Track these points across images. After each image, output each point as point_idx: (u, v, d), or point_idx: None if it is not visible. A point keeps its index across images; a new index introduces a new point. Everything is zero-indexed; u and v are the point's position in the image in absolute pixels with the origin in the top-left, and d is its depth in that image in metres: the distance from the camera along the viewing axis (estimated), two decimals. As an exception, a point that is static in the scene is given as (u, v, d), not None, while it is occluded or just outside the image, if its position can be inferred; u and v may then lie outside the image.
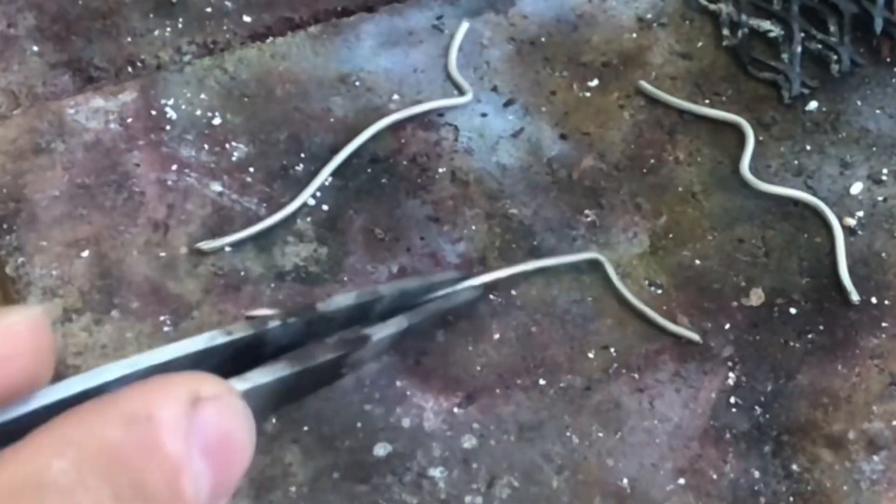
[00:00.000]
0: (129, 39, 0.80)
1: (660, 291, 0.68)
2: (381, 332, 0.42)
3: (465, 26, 0.80)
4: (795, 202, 0.72)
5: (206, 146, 0.74)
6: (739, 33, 0.80)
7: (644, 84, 0.77)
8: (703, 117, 0.76)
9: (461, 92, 0.77)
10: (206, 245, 0.68)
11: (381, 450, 0.61)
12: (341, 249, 0.69)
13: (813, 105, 0.77)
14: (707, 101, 0.77)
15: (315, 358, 0.37)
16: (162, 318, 0.66)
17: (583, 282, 0.68)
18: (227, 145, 0.74)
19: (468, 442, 0.62)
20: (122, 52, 0.79)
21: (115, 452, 0.24)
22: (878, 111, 0.77)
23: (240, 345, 0.35)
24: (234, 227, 0.70)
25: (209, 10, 0.82)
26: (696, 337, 0.66)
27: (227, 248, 0.69)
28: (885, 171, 0.74)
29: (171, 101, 0.76)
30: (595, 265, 0.69)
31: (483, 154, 0.74)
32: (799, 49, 0.79)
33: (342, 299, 0.41)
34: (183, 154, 0.73)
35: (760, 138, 0.75)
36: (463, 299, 0.61)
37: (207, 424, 0.25)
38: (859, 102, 0.78)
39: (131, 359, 0.31)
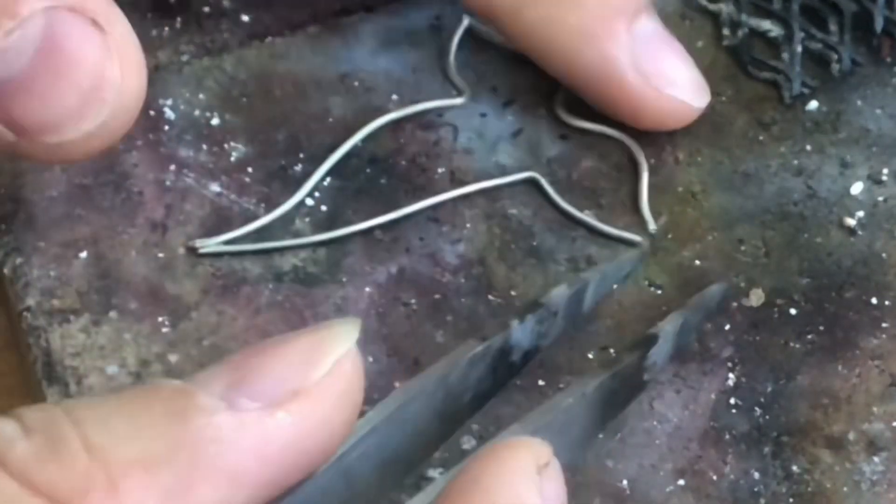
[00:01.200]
0: (128, 39, 0.80)
1: (659, 292, 0.68)
2: (664, 328, 0.42)
3: (465, 23, 0.79)
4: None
5: (204, 146, 0.74)
6: (739, 33, 0.80)
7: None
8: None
9: (459, 92, 0.77)
10: (200, 244, 0.68)
11: (379, 451, 0.61)
12: (340, 250, 0.69)
13: (813, 105, 0.77)
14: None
15: (621, 360, 0.37)
16: (160, 318, 0.66)
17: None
18: (226, 145, 0.74)
19: (467, 443, 0.61)
20: (120, 53, 0.79)
21: None
22: (878, 111, 0.77)
23: (494, 349, 0.35)
24: (232, 227, 0.69)
25: (207, 10, 0.82)
26: (637, 238, 0.69)
27: (223, 247, 0.68)
28: (885, 171, 0.74)
29: (169, 102, 0.75)
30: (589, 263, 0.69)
31: (482, 154, 0.74)
32: (799, 49, 0.79)
33: (559, 292, 0.42)
34: (181, 154, 0.73)
35: (760, 138, 0.75)
36: (717, 291, 0.63)
37: (552, 496, 0.27)
38: (860, 102, 0.78)
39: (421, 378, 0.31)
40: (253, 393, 0.26)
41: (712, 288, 0.65)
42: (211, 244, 0.68)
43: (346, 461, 0.29)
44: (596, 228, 0.70)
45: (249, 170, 0.72)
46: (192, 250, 0.68)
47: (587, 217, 0.70)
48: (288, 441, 0.25)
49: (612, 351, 0.65)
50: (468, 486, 0.25)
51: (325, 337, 0.27)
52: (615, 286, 0.57)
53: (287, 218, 0.70)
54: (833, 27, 0.80)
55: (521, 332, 0.37)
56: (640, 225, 0.71)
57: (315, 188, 0.71)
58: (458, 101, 0.76)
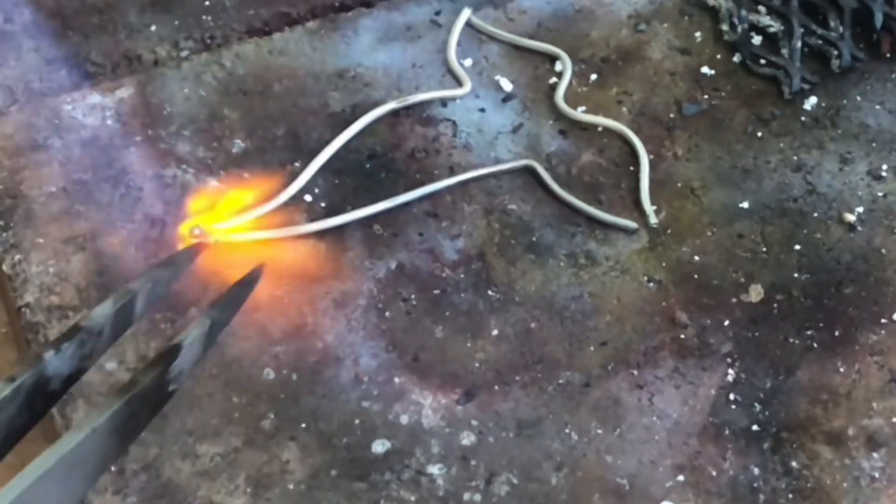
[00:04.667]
0: (126, 35, 0.80)
1: (659, 287, 0.68)
2: (189, 336, 0.40)
3: (466, 13, 0.79)
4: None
5: (203, 142, 0.73)
6: (739, 28, 0.80)
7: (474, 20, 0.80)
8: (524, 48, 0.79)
9: (459, 83, 0.76)
10: (199, 232, 0.67)
11: (379, 447, 0.61)
12: (339, 245, 0.69)
13: (812, 100, 0.77)
14: (706, 97, 0.77)
15: (139, 382, 0.35)
16: (159, 314, 0.66)
17: (581, 277, 0.68)
18: (225, 141, 0.74)
19: (467, 439, 0.61)
20: (118, 48, 0.79)
21: None
22: (877, 107, 0.77)
23: (26, 388, 0.33)
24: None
25: (207, 4, 0.82)
26: (633, 225, 0.70)
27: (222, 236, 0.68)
28: (884, 166, 0.74)
29: (168, 97, 0.75)
30: (591, 257, 0.69)
31: (482, 149, 0.74)
32: (799, 44, 0.79)
33: (100, 309, 0.40)
34: (180, 150, 0.73)
35: (759, 134, 0.75)
36: (250, 280, 0.58)
37: None
38: (859, 98, 0.77)
39: None
40: None
41: (241, 284, 0.60)
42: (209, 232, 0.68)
43: None
44: (593, 216, 0.70)
45: (248, 165, 0.72)
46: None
47: (584, 205, 0.71)
48: None
49: (611, 346, 0.65)
50: None
51: None
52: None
53: (287, 214, 0.70)
54: (833, 23, 0.80)
55: (58, 362, 0.35)
56: (641, 220, 0.71)
57: (314, 185, 0.71)
58: (460, 91, 0.76)
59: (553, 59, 0.79)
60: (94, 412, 0.34)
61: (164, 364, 0.38)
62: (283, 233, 0.69)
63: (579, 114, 0.75)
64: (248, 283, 0.52)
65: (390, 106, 0.75)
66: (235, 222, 0.69)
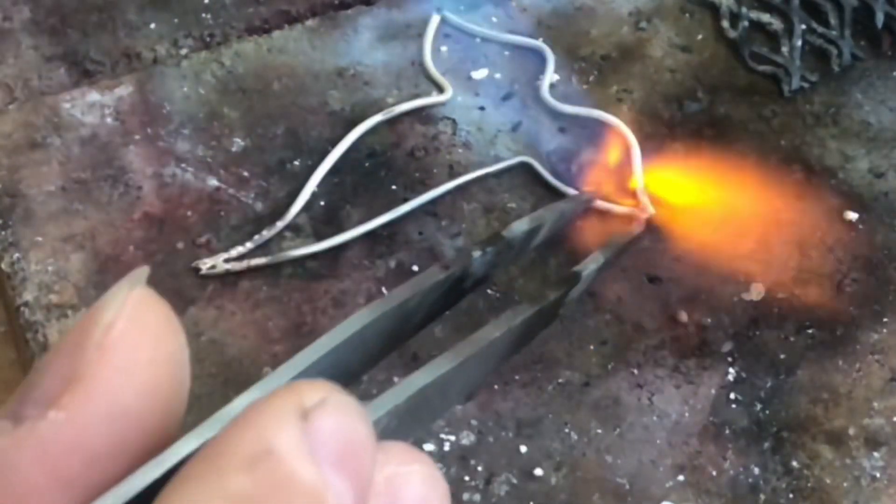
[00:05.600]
0: (126, 33, 0.80)
1: (659, 286, 0.67)
2: (588, 268, 0.44)
3: (435, 19, 0.79)
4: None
5: (202, 140, 0.73)
6: (739, 26, 0.80)
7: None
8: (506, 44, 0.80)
9: (437, 88, 0.76)
10: (202, 265, 0.67)
11: (378, 446, 0.61)
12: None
13: (813, 98, 0.77)
14: (707, 95, 0.77)
15: (546, 298, 0.38)
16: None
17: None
18: (224, 139, 0.73)
19: (466, 438, 0.61)
20: (118, 46, 0.79)
21: None
22: (879, 105, 0.77)
23: (453, 278, 0.36)
24: (230, 223, 0.69)
25: (206, 3, 0.81)
26: (650, 210, 0.69)
27: (225, 265, 0.67)
28: (886, 164, 0.73)
29: (167, 95, 0.75)
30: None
31: (481, 148, 0.74)
32: (799, 42, 0.78)
33: (518, 225, 0.43)
34: (179, 148, 0.73)
35: (760, 131, 0.75)
36: (633, 236, 0.64)
37: (327, 435, 0.22)
38: (860, 96, 0.77)
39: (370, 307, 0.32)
40: (33, 399, 0.23)
41: (624, 234, 0.65)
42: (211, 263, 0.67)
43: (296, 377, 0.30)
44: (594, 206, 0.70)
45: (248, 164, 0.72)
46: (195, 270, 0.67)
47: (581, 195, 0.70)
48: (71, 439, 0.22)
49: (610, 345, 0.65)
50: (222, 440, 0.22)
51: (95, 308, 0.23)
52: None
53: (285, 211, 0.70)
54: (833, 21, 0.80)
55: (480, 262, 0.38)
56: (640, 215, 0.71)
57: (315, 185, 0.71)
58: (442, 98, 0.76)
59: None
60: (511, 314, 0.36)
61: (566, 287, 0.41)
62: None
63: (567, 107, 0.75)
64: (631, 240, 0.56)
65: (378, 118, 0.74)
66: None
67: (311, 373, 0.30)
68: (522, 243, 0.42)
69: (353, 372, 0.33)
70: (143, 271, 0.23)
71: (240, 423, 0.22)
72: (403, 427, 0.32)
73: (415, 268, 0.68)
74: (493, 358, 0.36)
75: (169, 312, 0.23)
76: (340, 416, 0.23)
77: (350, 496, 0.22)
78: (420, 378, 0.31)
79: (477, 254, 0.37)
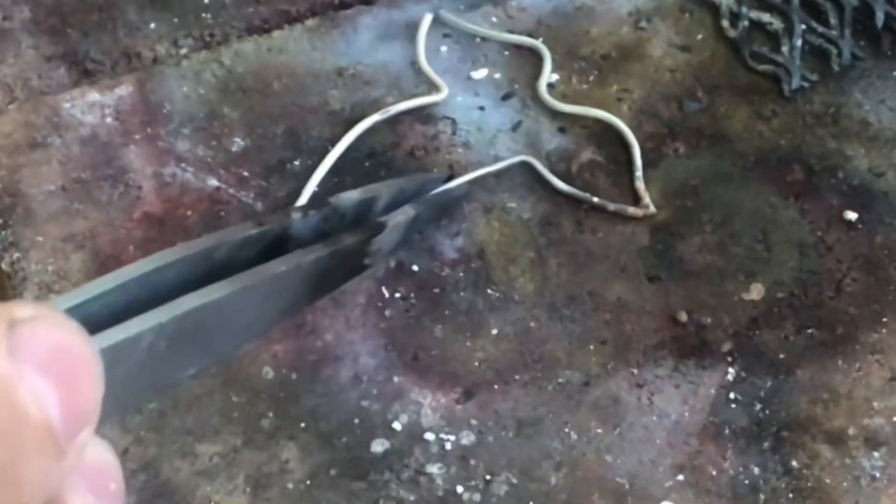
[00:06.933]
0: (126, 33, 0.80)
1: (658, 286, 0.68)
2: (394, 218, 0.44)
3: (427, 18, 0.79)
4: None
5: (202, 140, 0.73)
6: (739, 26, 0.80)
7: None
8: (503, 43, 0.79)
9: (435, 89, 0.76)
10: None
11: (378, 446, 0.61)
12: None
13: (813, 98, 0.77)
14: (707, 94, 0.77)
15: (343, 240, 0.38)
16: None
17: (581, 276, 0.68)
18: (224, 139, 0.73)
19: (466, 438, 0.61)
20: (118, 46, 0.79)
21: None
22: (878, 104, 0.77)
23: (270, 236, 0.36)
24: (230, 222, 0.69)
25: (206, 2, 0.81)
26: (652, 209, 0.70)
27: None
28: (885, 164, 0.73)
29: (167, 95, 0.75)
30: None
31: (481, 147, 0.74)
32: (799, 42, 0.78)
33: (348, 194, 0.43)
34: (179, 148, 0.73)
35: (760, 131, 0.75)
36: (456, 195, 0.67)
37: (31, 340, 0.24)
38: (860, 95, 0.77)
39: (172, 250, 0.32)
40: None
41: (453, 186, 0.67)
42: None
43: (84, 310, 0.31)
44: (594, 205, 0.71)
45: (248, 164, 0.72)
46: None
47: (582, 194, 0.71)
48: None
49: (610, 345, 0.65)
50: None
51: None
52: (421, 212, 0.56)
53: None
54: (834, 21, 0.80)
55: (302, 225, 0.38)
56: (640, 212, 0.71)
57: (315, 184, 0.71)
58: (438, 97, 0.76)
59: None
60: (302, 252, 0.36)
61: (368, 234, 0.41)
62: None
63: (567, 107, 0.75)
64: (455, 197, 0.56)
65: (375, 118, 0.74)
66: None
67: (98, 303, 0.31)
68: (356, 213, 0.42)
69: (144, 309, 0.33)
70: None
71: None
72: (177, 350, 0.32)
73: (415, 268, 0.68)
74: (287, 296, 0.35)
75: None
76: (48, 328, 0.24)
77: (55, 398, 0.24)
78: (190, 300, 0.31)
79: (297, 215, 0.37)
